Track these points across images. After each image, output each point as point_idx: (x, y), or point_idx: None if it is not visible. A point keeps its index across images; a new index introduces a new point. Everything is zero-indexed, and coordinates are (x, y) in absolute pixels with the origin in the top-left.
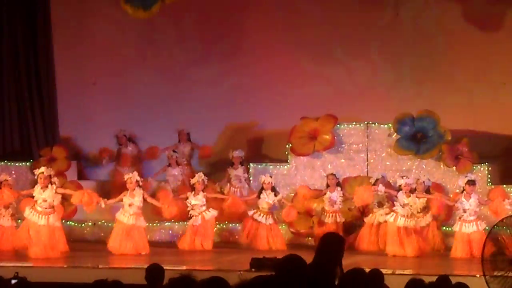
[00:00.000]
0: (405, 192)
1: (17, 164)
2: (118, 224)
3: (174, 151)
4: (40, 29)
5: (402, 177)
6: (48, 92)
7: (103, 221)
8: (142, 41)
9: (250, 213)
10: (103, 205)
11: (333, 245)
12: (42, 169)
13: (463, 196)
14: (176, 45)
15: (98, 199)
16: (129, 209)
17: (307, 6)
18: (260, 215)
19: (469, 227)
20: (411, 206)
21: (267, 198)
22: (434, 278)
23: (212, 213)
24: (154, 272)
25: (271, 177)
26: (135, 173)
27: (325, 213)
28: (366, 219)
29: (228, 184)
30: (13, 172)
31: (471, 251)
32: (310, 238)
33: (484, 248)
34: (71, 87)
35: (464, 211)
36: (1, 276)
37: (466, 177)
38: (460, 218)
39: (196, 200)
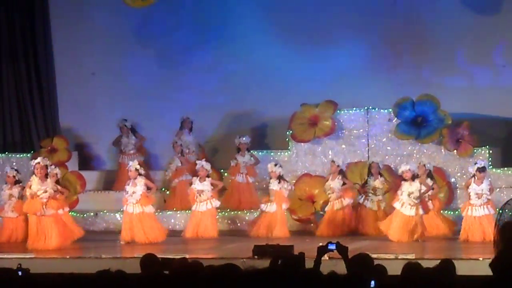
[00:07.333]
0: (407, 179)
1: (17, 155)
2: (125, 215)
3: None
4: (38, 19)
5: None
6: (48, 82)
7: (105, 211)
8: (140, 29)
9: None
10: None
11: None
12: (38, 159)
13: (473, 181)
14: (174, 32)
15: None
16: (131, 198)
17: None
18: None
19: (479, 211)
20: (412, 193)
21: (271, 186)
22: (437, 262)
23: (216, 203)
24: (148, 262)
25: (276, 165)
26: (135, 161)
27: (329, 202)
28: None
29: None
30: (14, 163)
31: (483, 235)
32: (312, 224)
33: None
34: (71, 77)
35: (478, 196)
36: (9, 268)
37: (475, 164)
38: (469, 202)
39: (201, 186)
